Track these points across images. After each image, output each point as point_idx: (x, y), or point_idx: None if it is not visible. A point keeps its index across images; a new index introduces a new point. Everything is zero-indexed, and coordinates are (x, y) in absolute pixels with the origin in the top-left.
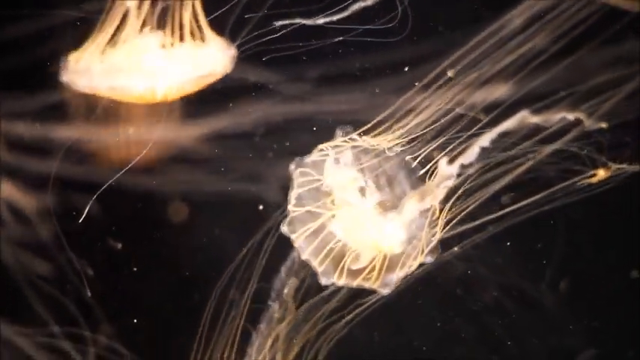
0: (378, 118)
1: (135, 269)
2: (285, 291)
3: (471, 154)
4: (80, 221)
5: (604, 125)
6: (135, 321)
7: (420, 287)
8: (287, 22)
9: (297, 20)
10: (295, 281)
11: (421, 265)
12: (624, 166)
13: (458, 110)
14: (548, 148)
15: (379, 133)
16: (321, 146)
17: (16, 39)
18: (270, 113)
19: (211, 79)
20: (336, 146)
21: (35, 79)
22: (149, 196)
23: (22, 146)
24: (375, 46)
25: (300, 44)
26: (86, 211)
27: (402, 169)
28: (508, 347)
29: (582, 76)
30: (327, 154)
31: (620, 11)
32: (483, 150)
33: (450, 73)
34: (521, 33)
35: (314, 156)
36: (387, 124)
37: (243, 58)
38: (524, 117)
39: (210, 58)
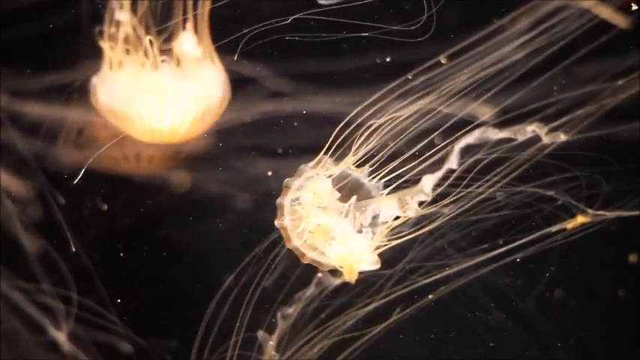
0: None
1: (122, 254)
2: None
3: (439, 173)
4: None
5: (563, 137)
6: (118, 300)
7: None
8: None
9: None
10: (269, 340)
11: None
12: (603, 212)
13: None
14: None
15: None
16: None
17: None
18: (269, 109)
19: (212, 110)
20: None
21: (41, 57)
22: (148, 190)
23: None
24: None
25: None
26: (78, 177)
27: (373, 190)
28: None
29: (568, 88)
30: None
31: (610, 25)
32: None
33: (443, 60)
34: (513, 43)
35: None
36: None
37: (244, 54)
38: (484, 132)
39: (209, 83)
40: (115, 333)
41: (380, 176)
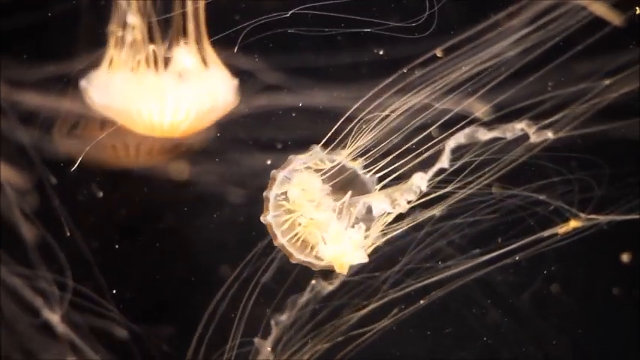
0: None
1: (118, 245)
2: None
3: (430, 172)
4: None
5: (551, 136)
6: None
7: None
8: None
9: None
10: (265, 345)
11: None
12: (596, 217)
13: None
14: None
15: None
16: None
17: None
18: (266, 103)
19: (216, 112)
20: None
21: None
22: (145, 181)
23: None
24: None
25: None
26: (76, 164)
27: (367, 184)
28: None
29: (563, 85)
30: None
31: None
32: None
33: (438, 54)
34: (508, 39)
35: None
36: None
37: (242, 47)
38: (475, 131)
39: (214, 88)
40: (110, 320)
41: (374, 171)
